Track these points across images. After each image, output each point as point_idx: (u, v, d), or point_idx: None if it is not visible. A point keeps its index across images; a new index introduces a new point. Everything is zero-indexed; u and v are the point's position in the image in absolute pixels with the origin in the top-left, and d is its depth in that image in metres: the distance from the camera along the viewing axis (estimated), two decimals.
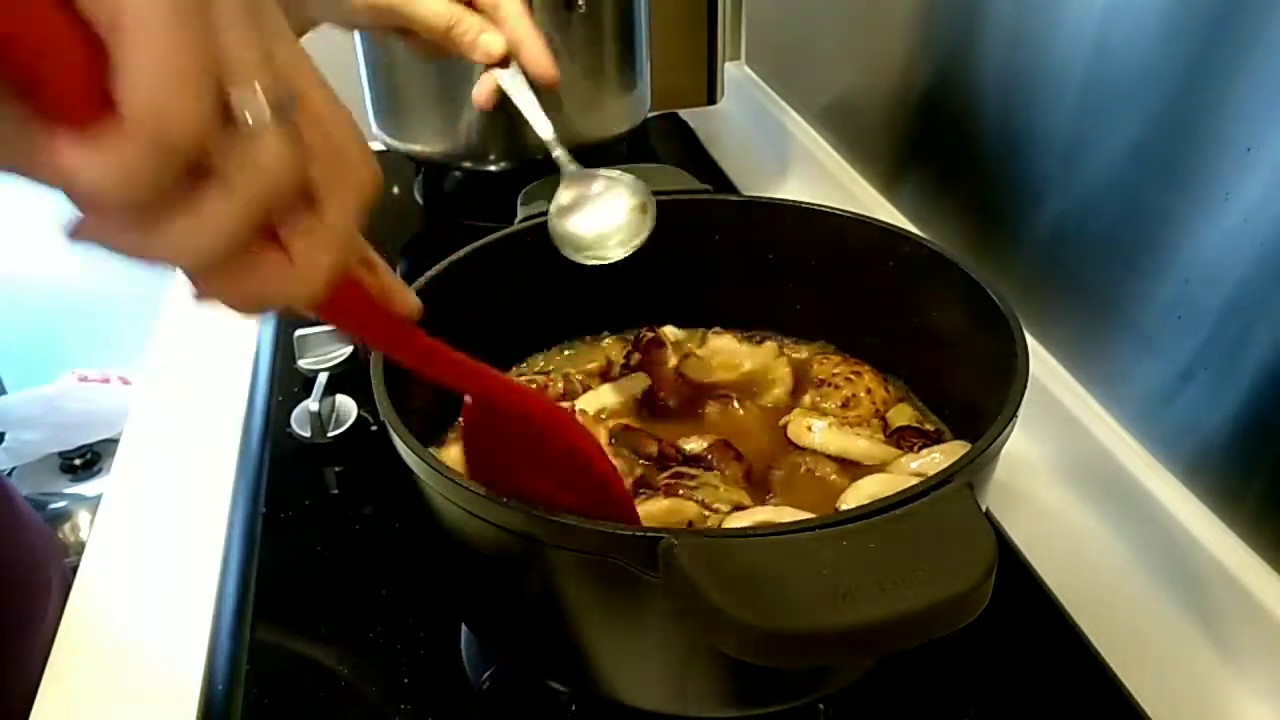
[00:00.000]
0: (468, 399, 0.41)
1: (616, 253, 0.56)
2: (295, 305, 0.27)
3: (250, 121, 0.23)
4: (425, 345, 0.36)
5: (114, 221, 0.23)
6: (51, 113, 0.22)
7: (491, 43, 0.61)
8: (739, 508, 0.49)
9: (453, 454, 0.54)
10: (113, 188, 0.22)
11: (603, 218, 0.58)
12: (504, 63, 0.63)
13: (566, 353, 0.65)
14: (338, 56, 0.65)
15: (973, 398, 0.50)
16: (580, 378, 0.61)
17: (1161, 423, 0.60)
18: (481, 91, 0.64)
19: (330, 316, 0.31)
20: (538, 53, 0.61)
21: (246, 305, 0.26)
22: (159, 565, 0.61)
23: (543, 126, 0.64)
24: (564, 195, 0.60)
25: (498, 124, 0.87)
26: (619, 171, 0.60)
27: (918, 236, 0.58)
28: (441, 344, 0.37)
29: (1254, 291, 0.52)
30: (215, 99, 0.23)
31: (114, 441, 1.27)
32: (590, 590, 0.41)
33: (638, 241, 0.56)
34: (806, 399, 0.58)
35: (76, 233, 0.23)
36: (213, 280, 0.25)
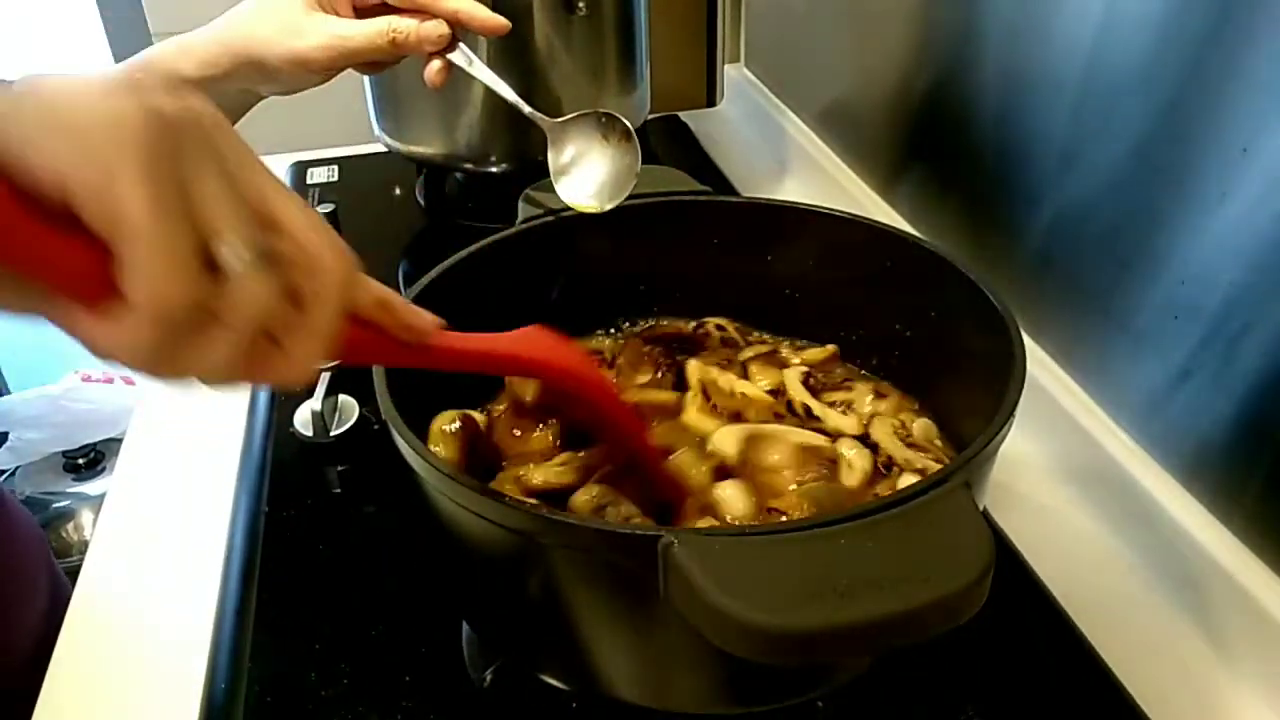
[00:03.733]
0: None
1: (616, 200, 0.60)
2: (298, 383, 0.31)
3: (235, 268, 0.28)
4: (442, 353, 0.39)
5: (131, 361, 0.28)
6: (71, 300, 0.27)
7: (433, 29, 0.62)
8: None
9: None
10: (125, 352, 0.27)
11: (595, 169, 0.62)
12: (451, 46, 0.64)
13: None
14: None
15: (970, 398, 0.51)
16: None
17: (1159, 422, 0.60)
18: (431, 71, 0.65)
19: (349, 364, 0.36)
20: (479, 14, 0.63)
21: (253, 386, 0.31)
22: (162, 564, 0.61)
23: (505, 90, 0.66)
24: (554, 156, 0.63)
25: (498, 126, 0.88)
26: (590, 112, 0.63)
27: (915, 237, 0.59)
28: (455, 344, 0.40)
29: (1250, 292, 0.52)
30: (201, 264, 0.27)
31: (117, 441, 1.27)
32: (590, 588, 0.42)
33: (632, 182, 0.60)
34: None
35: (102, 357, 0.28)
36: (221, 381, 0.30)
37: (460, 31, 0.64)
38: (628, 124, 0.61)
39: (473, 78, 0.66)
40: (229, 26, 0.62)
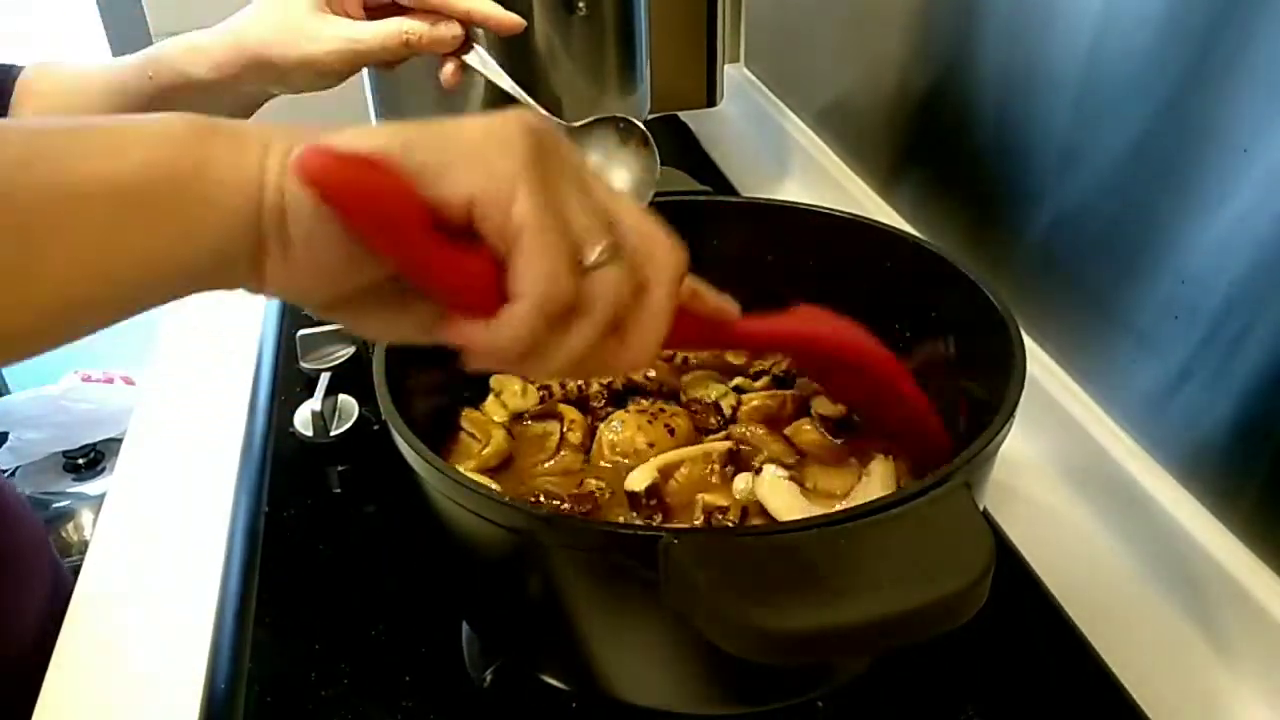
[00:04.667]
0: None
1: (645, 200, 0.62)
2: (636, 369, 0.36)
3: (598, 263, 0.32)
4: (737, 335, 0.44)
5: (507, 356, 0.32)
6: (461, 310, 0.31)
7: (445, 31, 0.63)
8: None
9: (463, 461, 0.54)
10: (505, 347, 0.31)
11: (616, 178, 0.63)
12: (465, 47, 0.64)
13: None
14: None
15: (970, 397, 0.51)
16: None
17: (1159, 422, 0.60)
18: (445, 73, 0.65)
19: (672, 348, 0.43)
20: (494, 14, 0.63)
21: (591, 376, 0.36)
22: (162, 564, 0.61)
23: (519, 93, 0.66)
24: None
25: None
26: (608, 117, 0.62)
27: (915, 237, 0.59)
28: (753, 326, 0.44)
29: (1251, 292, 0.52)
30: (578, 268, 0.31)
31: (117, 441, 1.27)
32: (590, 588, 0.42)
33: (653, 188, 0.61)
34: None
35: (479, 361, 0.32)
36: (574, 374, 0.35)
37: (473, 32, 0.64)
38: (645, 130, 0.60)
39: (483, 78, 0.66)
40: (239, 29, 0.62)
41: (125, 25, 1.35)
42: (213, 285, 0.31)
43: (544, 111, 0.65)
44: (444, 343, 0.32)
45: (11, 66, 0.64)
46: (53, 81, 0.64)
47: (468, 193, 0.30)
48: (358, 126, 0.30)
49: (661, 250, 0.34)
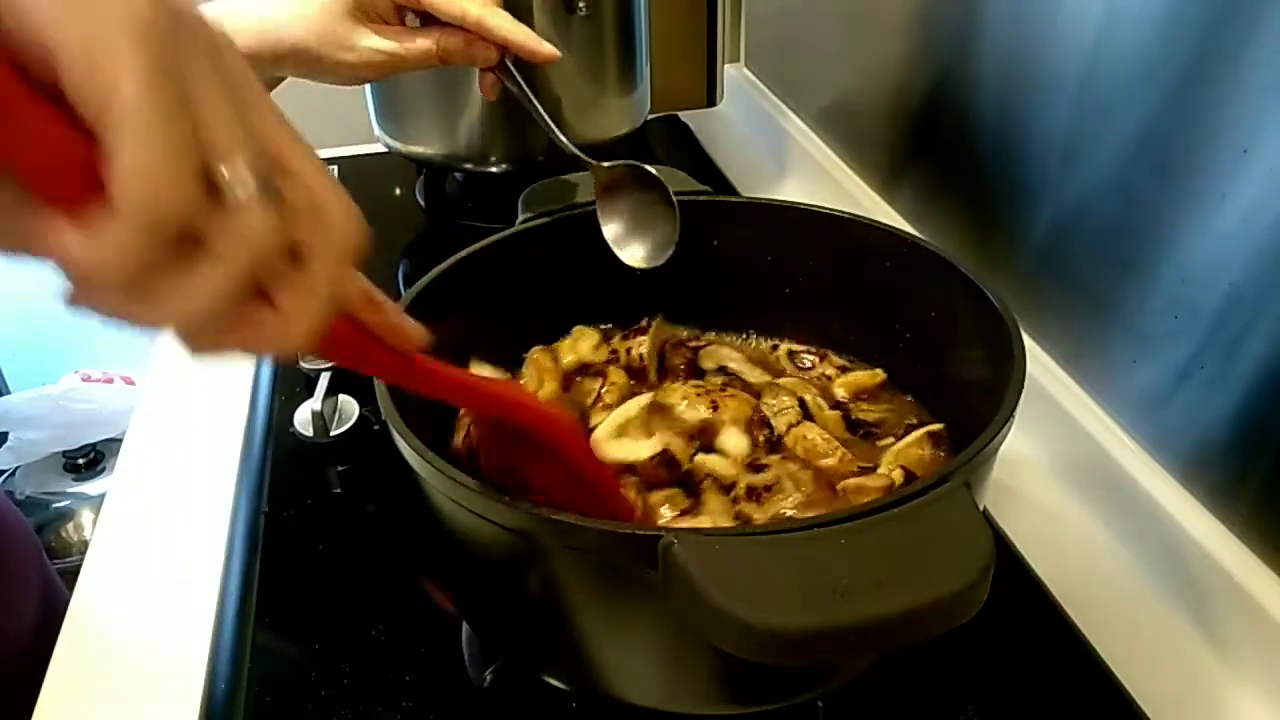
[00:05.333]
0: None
1: (665, 257, 0.61)
2: (287, 352, 0.28)
3: (236, 195, 0.25)
4: (423, 373, 0.38)
5: (108, 291, 0.24)
6: (47, 198, 0.24)
7: (480, 50, 0.63)
8: None
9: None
10: (104, 265, 0.23)
11: (643, 230, 0.62)
12: (501, 64, 0.65)
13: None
14: None
15: (970, 397, 0.51)
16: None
17: (1158, 422, 0.60)
18: (485, 85, 0.66)
19: (326, 356, 0.35)
20: (528, 44, 0.63)
21: (238, 354, 0.28)
22: (162, 564, 0.61)
23: (546, 121, 0.66)
24: (604, 214, 0.61)
25: (499, 126, 0.88)
26: (634, 165, 0.61)
27: (915, 237, 0.59)
28: (439, 367, 0.39)
29: (1250, 292, 0.52)
30: (200, 178, 0.24)
31: (117, 441, 1.27)
32: (590, 588, 0.42)
33: (674, 242, 0.60)
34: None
35: (72, 300, 0.25)
36: (204, 336, 0.27)
37: (509, 56, 0.64)
38: (667, 187, 0.60)
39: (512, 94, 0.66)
40: (273, 28, 0.61)
41: None
42: None
43: (571, 146, 0.64)
44: (35, 253, 0.24)
45: None
46: None
47: (47, 35, 0.22)
48: None
49: (334, 216, 0.28)
